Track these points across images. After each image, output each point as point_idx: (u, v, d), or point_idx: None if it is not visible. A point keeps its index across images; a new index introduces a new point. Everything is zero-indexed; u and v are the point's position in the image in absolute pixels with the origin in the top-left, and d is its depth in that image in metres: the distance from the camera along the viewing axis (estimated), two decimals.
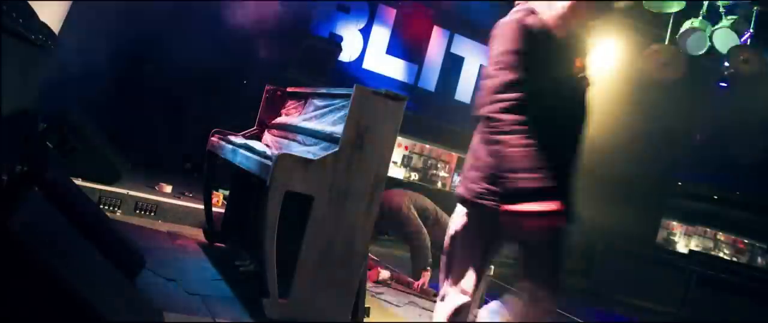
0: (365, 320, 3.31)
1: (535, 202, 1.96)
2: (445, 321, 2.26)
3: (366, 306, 3.31)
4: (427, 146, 10.24)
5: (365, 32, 8.90)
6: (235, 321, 2.92)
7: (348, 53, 8.66)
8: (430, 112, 9.17)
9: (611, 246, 8.70)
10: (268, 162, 2.94)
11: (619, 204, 9.09)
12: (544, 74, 2.13)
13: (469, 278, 2.24)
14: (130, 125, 6.45)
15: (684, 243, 11.01)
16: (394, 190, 4.92)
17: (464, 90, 9.78)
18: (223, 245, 4.42)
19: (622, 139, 8.75)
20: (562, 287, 2.28)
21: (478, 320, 2.34)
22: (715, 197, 10.03)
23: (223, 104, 6.94)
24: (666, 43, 7.16)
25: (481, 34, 9.60)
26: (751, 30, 6.55)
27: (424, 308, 4.21)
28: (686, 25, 6.79)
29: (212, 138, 4.26)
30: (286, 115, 4.30)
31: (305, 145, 3.48)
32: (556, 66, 2.20)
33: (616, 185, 9.15)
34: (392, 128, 3.07)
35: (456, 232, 2.32)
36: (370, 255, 4.42)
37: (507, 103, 2.02)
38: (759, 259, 10.30)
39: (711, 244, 10.91)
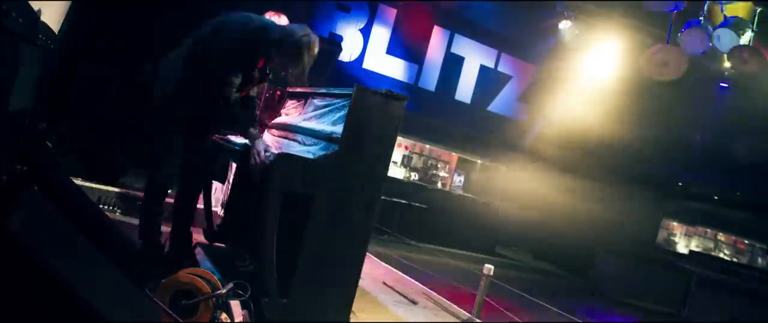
0: (364, 320, 3.30)
1: None
2: None
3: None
4: (427, 146, 10.24)
5: (365, 32, 8.90)
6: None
7: (348, 53, 8.65)
8: (430, 112, 9.17)
9: (611, 246, 8.70)
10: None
11: (619, 204, 9.10)
12: None
13: None
14: (130, 125, 6.43)
15: (684, 243, 11.01)
16: None
17: (464, 90, 9.78)
18: (223, 245, 4.41)
19: (622, 139, 8.75)
20: None
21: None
22: (715, 197, 10.04)
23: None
24: (666, 43, 7.16)
25: (481, 34, 9.60)
26: (753, 30, 6.54)
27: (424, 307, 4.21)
28: (686, 26, 6.80)
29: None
30: (286, 115, 4.29)
31: (305, 145, 3.47)
32: None
33: (617, 186, 9.15)
34: (392, 128, 3.07)
35: None
36: None
37: None
38: (759, 259, 10.30)
39: (711, 244, 10.91)
